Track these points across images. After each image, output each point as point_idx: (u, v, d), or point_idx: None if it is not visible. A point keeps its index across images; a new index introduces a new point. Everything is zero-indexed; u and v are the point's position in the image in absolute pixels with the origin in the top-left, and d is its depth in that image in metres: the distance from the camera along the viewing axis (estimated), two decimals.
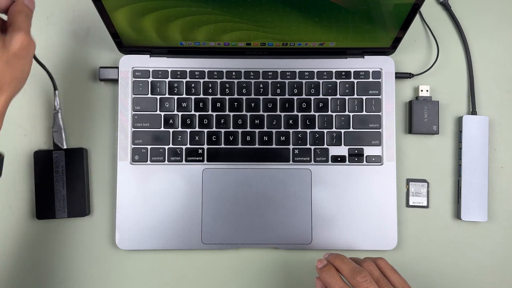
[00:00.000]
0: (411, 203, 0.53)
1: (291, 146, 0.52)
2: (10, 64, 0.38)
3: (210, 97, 0.52)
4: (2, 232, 0.52)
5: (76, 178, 0.51)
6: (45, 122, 0.53)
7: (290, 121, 0.52)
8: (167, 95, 0.52)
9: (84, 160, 0.51)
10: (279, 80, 0.53)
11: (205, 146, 0.52)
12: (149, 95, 0.52)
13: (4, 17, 0.40)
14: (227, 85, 0.53)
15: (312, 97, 0.53)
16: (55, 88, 0.51)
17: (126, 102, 0.52)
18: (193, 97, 0.52)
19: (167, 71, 0.52)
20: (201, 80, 0.52)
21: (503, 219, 0.53)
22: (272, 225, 0.51)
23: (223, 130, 0.52)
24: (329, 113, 0.53)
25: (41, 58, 0.54)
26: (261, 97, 0.53)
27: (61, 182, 0.50)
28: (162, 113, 0.52)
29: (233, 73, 0.53)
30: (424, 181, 0.53)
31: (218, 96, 0.52)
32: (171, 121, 0.52)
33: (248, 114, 0.52)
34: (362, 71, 0.53)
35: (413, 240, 0.53)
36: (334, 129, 0.52)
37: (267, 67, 0.53)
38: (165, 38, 0.49)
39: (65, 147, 0.51)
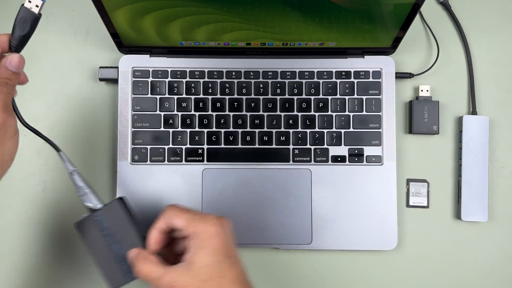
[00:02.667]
0: (411, 203, 0.53)
1: (291, 146, 0.52)
2: None
3: (210, 97, 0.52)
4: None
5: (127, 231, 0.43)
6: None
7: (290, 121, 0.52)
8: (167, 95, 0.52)
9: (124, 211, 0.43)
10: (279, 80, 0.53)
11: (205, 146, 0.52)
12: (149, 95, 0.52)
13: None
14: (227, 85, 0.52)
15: (312, 97, 0.53)
16: (57, 150, 0.43)
17: (126, 102, 0.52)
18: (193, 97, 0.52)
19: (167, 71, 0.52)
20: (201, 80, 0.52)
21: (503, 219, 0.53)
22: (272, 225, 0.51)
23: (223, 130, 0.52)
24: (329, 113, 0.53)
25: (41, 58, 0.54)
26: (261, 97, 0.53)
27: (114, 242, 0.43)
28: (162, 113, 0.52)
29: (233, 73, 0.53)
30: (424, 181, 0.53)
31: (218, 96, 0.52)
32: (171, 121, 0.52)
33: (248, 114, 0.52)
34: (362, 71, 0.53)
35: (413, 240, 0.53)
36: (334, 129, 0.52)
37: (267, 67, 0.53)
38: (165, 38, 0.49)
39: (99, 206, 0.43)
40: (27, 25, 0.37)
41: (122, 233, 0.43)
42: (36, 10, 0.37)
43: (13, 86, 0.38)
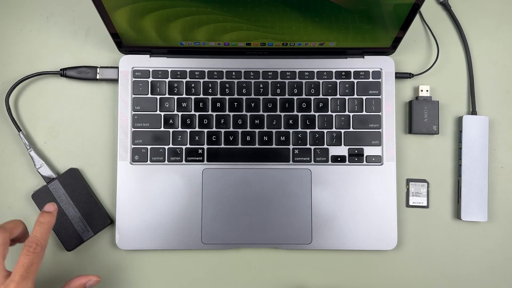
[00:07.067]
0: (411, 203, 0.53)
1: (291, 146, 0.52)
2: None
3: (210, 97, 0.52)
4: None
5: (82, 196, 0.51)
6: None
7: (290, 121, 0.52)
8: (167, 95, 0.52)
9: (79, 177, 0.51)
10: (279, 80, 0.53)
11: (205, 146, 0.52)
12: (149, 95, 0.52)
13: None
14: (227, 85, 0.53)
15: (312, 97, 0.53)
16: (18, 130, 0.52)
17: (126, 102, 0.52)
18: (193, 97, 0.52)
19: (167, 71, 0.52)
20: (201, 80, 0.52)
21: (503, 219, 0.53)
22: (272, 225, 0.51)
23: (223, 130, 0.52)
24: (329, 113, 0.53)
25: (41, 58, 0.54)
26: (261, 97, 0.53)
27: (70, 207, 0.50)
28: (162, 113, 0.52)
29: (233, 73, 0.53)
30: (424, 181, 0.53)
31: (218, 96, 0.52)
32: (171, 121, 0.52)
33: (248, 114, 0.52)
34: (362, 71, 0.53)
35: (413, 240, 0.53)
36: (334, 129, 0.52)
37: (267, 67, 0.53)
38: (165, 38, 0.49)
39: (55, 176, 0.51)
40: None
41: (78, 198, 0.50)
42: None
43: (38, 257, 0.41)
